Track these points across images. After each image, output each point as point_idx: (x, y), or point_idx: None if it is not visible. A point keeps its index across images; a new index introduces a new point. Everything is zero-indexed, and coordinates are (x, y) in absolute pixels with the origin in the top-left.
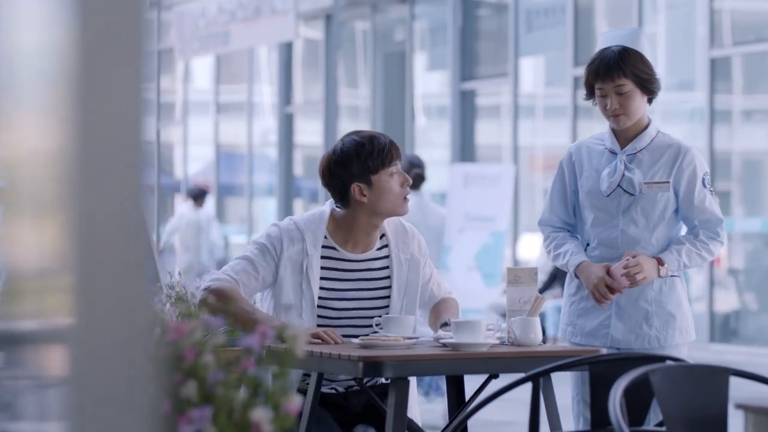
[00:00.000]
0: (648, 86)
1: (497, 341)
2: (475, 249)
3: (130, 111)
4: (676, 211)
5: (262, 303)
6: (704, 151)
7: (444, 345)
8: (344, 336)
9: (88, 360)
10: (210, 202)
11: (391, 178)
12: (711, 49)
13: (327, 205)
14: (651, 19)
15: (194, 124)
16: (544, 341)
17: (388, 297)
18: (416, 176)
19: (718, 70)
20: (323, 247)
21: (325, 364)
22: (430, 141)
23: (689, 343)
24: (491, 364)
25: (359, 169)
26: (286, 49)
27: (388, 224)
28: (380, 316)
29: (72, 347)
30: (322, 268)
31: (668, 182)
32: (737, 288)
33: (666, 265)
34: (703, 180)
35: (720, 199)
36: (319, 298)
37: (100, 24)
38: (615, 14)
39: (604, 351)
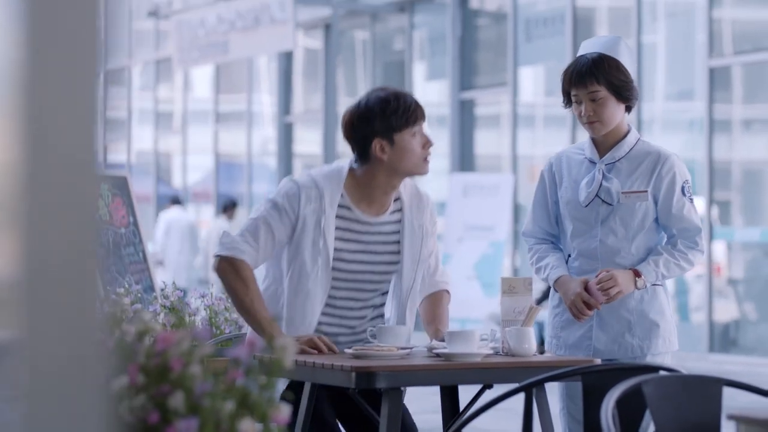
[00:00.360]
0: (623, 93)
1: (491, 351)
2: (474, 258)
3: (83, 123)
4: (657, 219)
5: (275, 261)
6: (703, 160)
7: (437, 355)
8: (351, 299)
9: (39, 374)
10: (191, 211)
11: (414, 138)
12: (710, 59)
13: (346, 162)
14: (650, 29)
15: (194, 133)
16: (542, 351)
17: (397, 263)
18: None
19: (717, 79)
20: (339, 206)
21: (318, 375)
22: None
23: (674, 353)
24: (485, 374)
25: (382, 125)
26: (286, 58)
27: (404, 188)
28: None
29: (21, 361)
30: (336, 228)
31: (646, 191)
32: (737, 298)
33: (643, 277)
34: (683, 188)
35: (719, 208)
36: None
37: (53, 35)
38: (614, 23)
39: (599, 361)
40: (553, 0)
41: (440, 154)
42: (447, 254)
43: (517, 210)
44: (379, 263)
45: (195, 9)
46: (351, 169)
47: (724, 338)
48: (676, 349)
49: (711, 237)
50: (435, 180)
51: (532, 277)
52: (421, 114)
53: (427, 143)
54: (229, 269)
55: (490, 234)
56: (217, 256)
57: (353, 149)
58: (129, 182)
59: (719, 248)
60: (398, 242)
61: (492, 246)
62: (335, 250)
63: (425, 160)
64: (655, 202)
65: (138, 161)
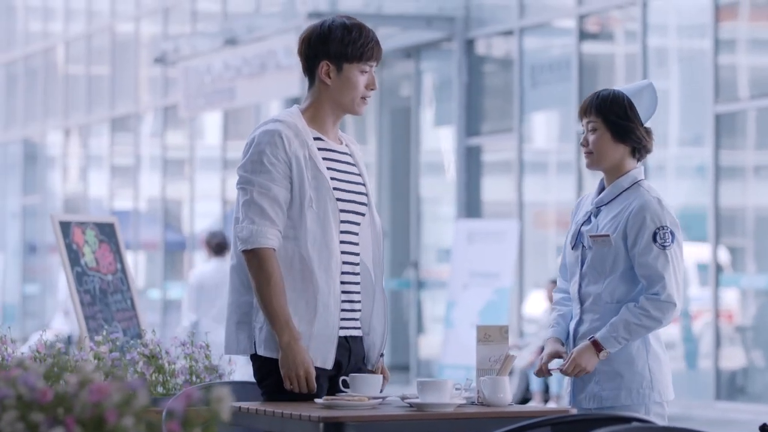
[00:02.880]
0: (620, 133)
1: (464, 401)
2: (479, 305)
3: None
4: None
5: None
6: (709, 207)
7: (410, 405)
8: (344, 232)
9: None
10: (199, 258)
11: (362, 75)
12: (716, 105)
13: (292, 107)
14: (657, 74)
15: (202, 179)
16: (547, 399)
17: (366, 194)
18: (217, 245)
19: (724, 125)
20: (313, 138)
21: (286, 425)
22: (435, 197)
23: (680, 402)
24: (457, 425)
25: (337, 50)
26: (293, 104)
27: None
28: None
29: None
30: (321, 158)
31: (608, 236)
32: (744, 344)
33: (605, 349)
34: (655, 235)
35: (730, 254)
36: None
37: None
38: (621, 69)
39: (573, 411)
40: (559, 46)
41: (446, 201)
42: (451, 301)
43: (522, 256)
44: (360, 193)
45: (201, 56)
46: (299, 108)
47: (731, 386)
48: (660, 400)
49: (718, 283)
50: (440, 226)
51: (507, 325)
52: (377, 55)
53: (371, 84)
54: (254, 262)
55: (495, 281)
56: (242, 252)
57: (302, 64)
58: (117, 228)
59: (728, 295)
60: (359, 174)
61: (497, 293)
62: (330, 179)
63: (363, 100)
64: (627, 248)
65: (147, 208)
